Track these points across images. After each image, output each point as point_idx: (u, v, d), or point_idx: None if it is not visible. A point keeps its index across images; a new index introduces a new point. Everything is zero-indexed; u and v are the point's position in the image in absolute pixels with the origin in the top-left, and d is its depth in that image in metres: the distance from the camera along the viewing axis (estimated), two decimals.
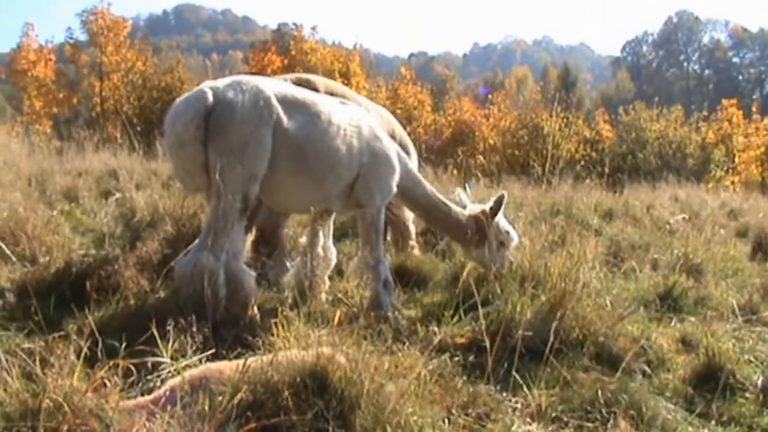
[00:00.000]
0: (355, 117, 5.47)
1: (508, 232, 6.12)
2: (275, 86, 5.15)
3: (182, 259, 4.79)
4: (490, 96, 43.25)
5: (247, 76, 5.24)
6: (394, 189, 5.68)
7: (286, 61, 38.49)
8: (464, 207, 6.23)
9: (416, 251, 7.33)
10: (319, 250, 5.80)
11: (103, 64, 35.83)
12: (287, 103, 5.05)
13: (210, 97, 4.79)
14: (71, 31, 38.84)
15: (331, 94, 6.20)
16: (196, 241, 4.88)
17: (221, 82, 5.01)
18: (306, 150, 5.08)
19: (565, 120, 30.09)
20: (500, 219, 6.14)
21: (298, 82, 6.12)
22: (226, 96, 4.84)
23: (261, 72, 30.63)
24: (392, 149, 5.67)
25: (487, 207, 6.13)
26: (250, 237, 5.68)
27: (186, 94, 5.12)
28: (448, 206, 6.07)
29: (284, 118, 4.97)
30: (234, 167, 4.76)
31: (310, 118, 5.12)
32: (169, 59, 40.58)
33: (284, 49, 40.45)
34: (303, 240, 5.97)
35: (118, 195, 7.66)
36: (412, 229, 7.57)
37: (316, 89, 6.14)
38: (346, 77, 35.90)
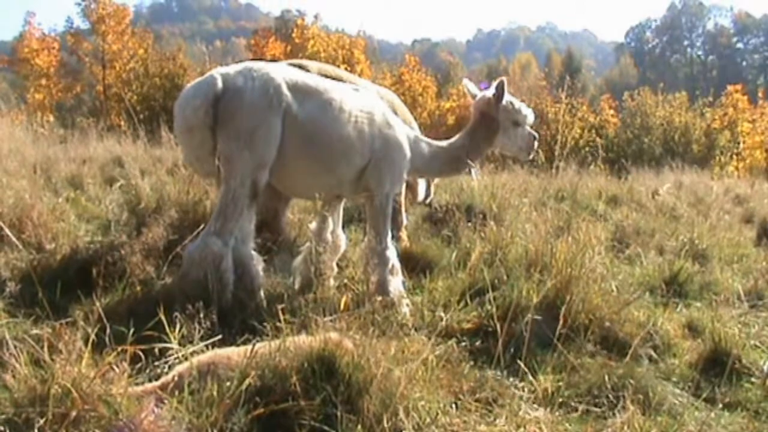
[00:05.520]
0: (368, 104, 5.42)
1: (520, 110, 6.03)
2: (287, 73, 5.10)
3: (191, 244, 4.79)
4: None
5: (259, 63, 5.20)
6: (405, 176, 5.67)
7: (288, 48, 38.48)
8: (474, 96, 6.17)
9: (405, 242, 7.21)
10: (328, 236, 5.73)
11: (105, 52, 35.79)
12: (298, 90, 5.01)
13: (219, 84, 4.77)
14: (71, 20, 38.96)
15: (326, 77, 6.12)
16: (206, 226, 4.87)
17: (232, 69, 4.98)
18: (317, 137, 5.05)
19: (569, 106, 30.00)
20: (510, 99, 6.02)
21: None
22: (235, 83, 4.82)
23: (261, 59, 30.57)
24: (404, 136, 5.60)
25: (489, 94, 6.01)
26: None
27: (197, 79, 5.11)
28: (451, 149, 6.00)
29: (294, 106, 4.93)
30: (242, 154, 4.75)
31: (322, 106, 5.08)
32: (171, 46, 40.52)
33: (287, 37, 40.40)
34: (312, 226, 5.94)
35: (122, 181, 7.63)
36: (404, 219, 7.49)
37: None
38: (350, 64, 35.87)
